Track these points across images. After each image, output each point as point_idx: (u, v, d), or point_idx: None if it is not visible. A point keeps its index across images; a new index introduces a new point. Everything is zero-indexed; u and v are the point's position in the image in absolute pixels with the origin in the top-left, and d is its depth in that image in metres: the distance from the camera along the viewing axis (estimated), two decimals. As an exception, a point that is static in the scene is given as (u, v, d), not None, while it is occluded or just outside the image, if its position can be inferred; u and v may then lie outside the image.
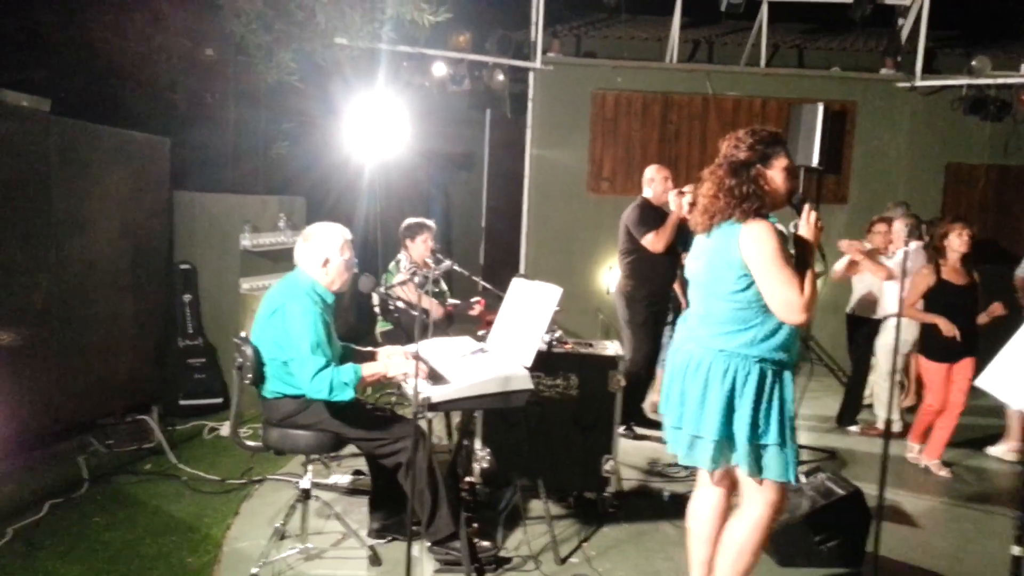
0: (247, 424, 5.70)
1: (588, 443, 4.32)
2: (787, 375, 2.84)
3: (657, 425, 5.94)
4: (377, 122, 6.30)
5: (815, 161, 7.40)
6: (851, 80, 8.02)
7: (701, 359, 2.85)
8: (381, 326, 5.70)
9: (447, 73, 7.46)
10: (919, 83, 7.85)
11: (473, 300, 5.80)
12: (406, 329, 5.40)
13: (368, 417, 3.57)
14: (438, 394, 3.24)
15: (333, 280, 3.66)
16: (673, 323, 6.32)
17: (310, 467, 3.65)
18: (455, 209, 10.28)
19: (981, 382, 3.00)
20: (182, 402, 5.77)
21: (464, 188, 9.89)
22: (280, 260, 6.35)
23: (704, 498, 3.10)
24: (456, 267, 4.87)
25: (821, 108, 7.35)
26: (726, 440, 2.80)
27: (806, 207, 2.94)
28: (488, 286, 5.58)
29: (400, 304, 4.27)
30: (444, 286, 5.91)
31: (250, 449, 3.68)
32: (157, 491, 4.52)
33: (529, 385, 3.38)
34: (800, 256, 2.83)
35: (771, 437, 2.78)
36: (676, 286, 6.08)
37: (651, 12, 9.00)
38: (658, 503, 4.60)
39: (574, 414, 4.30)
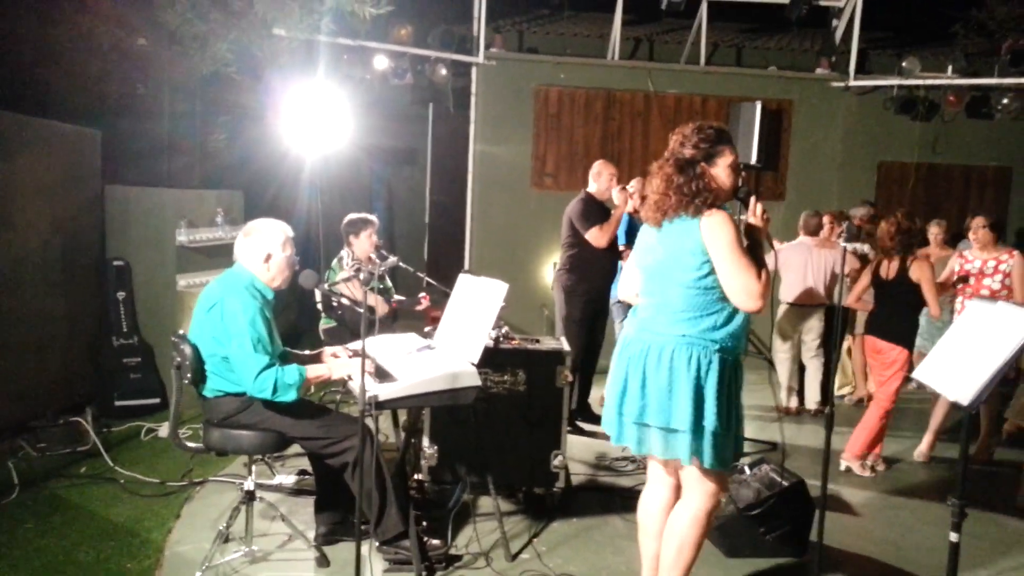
0: (186, 425, 5.51)
1: (536, 439, 4.31)
2: (740, 363, 2.90)
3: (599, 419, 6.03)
4: (317, 115, 6.19)
5: (753, 159, 7.55)
6: (788, 79, 8.20)
7: (662, 348, 2.86)
8: (324, 323, 5.61)
9: (389, 67, 7.36)
10: (852, 83, 8.06)
11: (419, 296, 5.75)
12: (350, 326, 5.33)
13: (313, 416, 3.51)
14: (385, 392, 3.20)
15: (274, 277, 3.58)
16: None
17: (254, 468, 3.57)
18: (398, 205, 10.17)
19: (917, 374, 3.09)
20: (117, 403, 5.59)
21: (406, 183, 9.79)
22: (217, 256, 6.20)
23: (655, 493, 3.13)
24: (401, 264, 4.82)
25: (759, 106, 7.49)
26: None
27: (752, 199, 3.01)
28: (432, 282, 5.54)
29: (344, 301, 4.20)
30: (389, 282, 5.85)
31: (191, 450, 3.58)
32: (93, 495, 4.37)
33: (477, 382, 3.36)
34: (752, 246, 2.90)
35: (725, 426, 2.82)
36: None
37: (593, 9, 9.04)
38: (607, 497, 4.62)
39: (522, 410, 4.29)
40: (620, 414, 2.97)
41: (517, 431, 4.28)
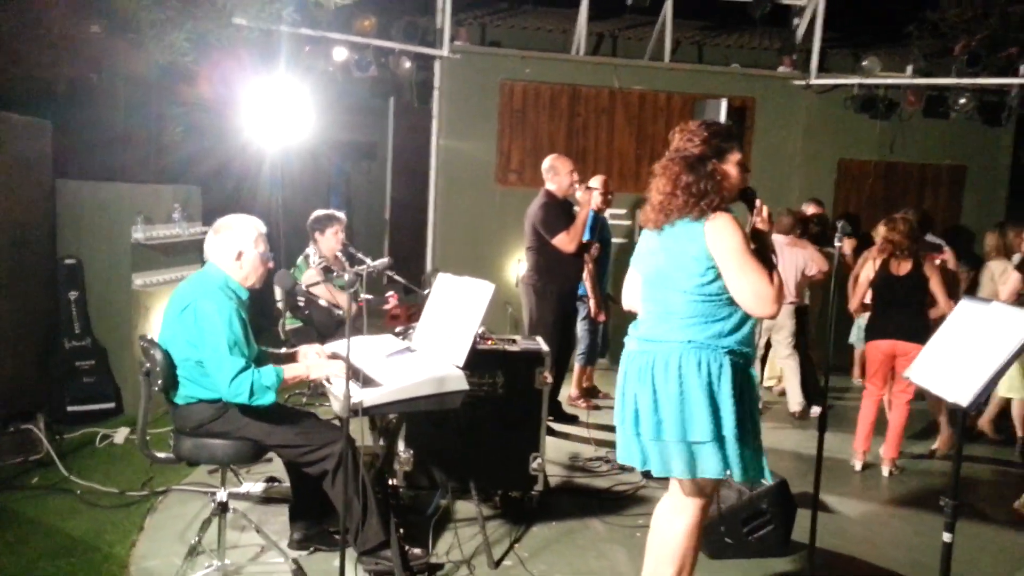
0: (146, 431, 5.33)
1: (515, 441, 4.23)
2: (753, 370, 2.83)
3: (573, 419, 5.97)
4: (277, 108, 6.01)
5: (719, 155, 7.53)
6: (750, 77, 8.22)
7: (668, 357, 2.74)
8: (290, 323, 5.45)
9: (351, 58, 7.18)
10: (814, 81, 8.12)
11: (386, 295, 5.61)
12: (318, 327, 5.18)
13: (291, 422, 3.36)
14: (370, 397, 3.07)
15: (248, 275, 3.43)
16: (587, 317, 6.32)
17: (225, 477, 3.41)
18: (358, 200, 9.98)
19: (911, 375, 3.08)
20: (70, 408, 5.33)
21: (366, 178, 9.61)
22: (175, 254, 5.97)
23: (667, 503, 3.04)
24: (391, 273, 4.66)
25: (725, 104, 7.47)
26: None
27: (757, 200, 2.93)
28: (400, 279, 5.40)
29: (321, 302, 4.06)
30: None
31: (160, 461, 3.40)
32: (48, 507, 4.14)
33: (464, 386, 3.26)
34: (759, 249, 2.80)
35: (742, 434, 2.73)
36: (587, 277, 6.04)
37: (556, 4, 8.97)
38: (584, 499, 4.56)
39: (500, 412, 4.20)
40: (638, 435, 2.84)
41: (495, 433, 4.19)
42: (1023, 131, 8.55)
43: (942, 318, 5.28)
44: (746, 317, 2.79)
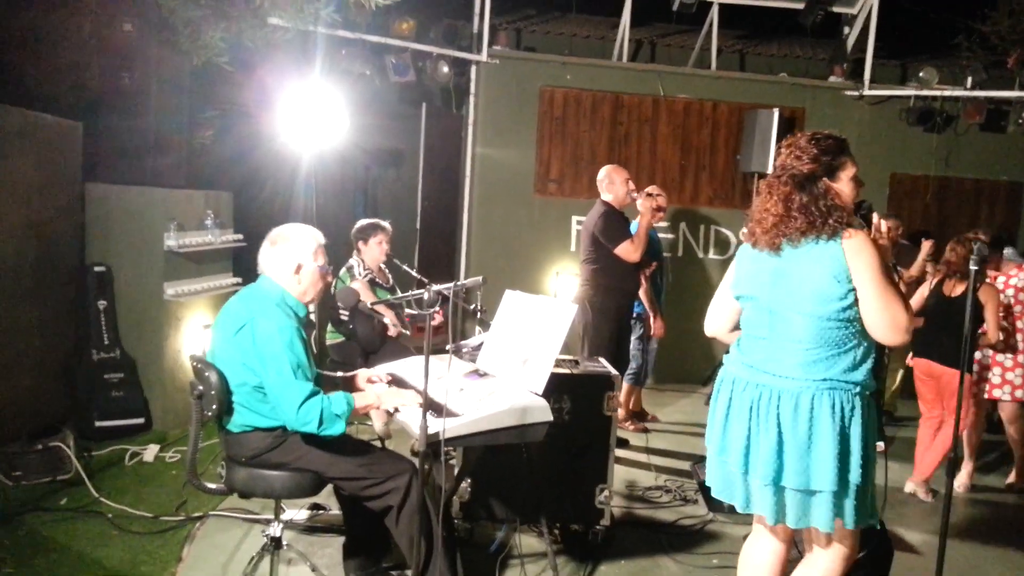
0: (172, 448, 5.06)
1: (581, 471, 3.93)
2: (872, 403, 2.55)
3: (624, 443, 5.67)
4: (312, 112, 5.75)
5: (770, 167, 7.25)
6: (800, 87, 7.94)
7: (798, 395, 2.47)
8: (331, 337, 5.16)
9: (390, 62, 6.91)
10: (867, 92, 7.83)
11: (432, 310, 5.31)
12: (362, 341, 4.88)
13: (354, 453, 3.07)
14: (450, 429, 2.77)
15: (306, 290, 3.15)
16: (640, 336, 6.04)
17: (282, 510, 3.12)
18: (386, 208, 9.70)
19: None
20: (98, 423, 5.03)
21: (395, 186, 9.31)
22: (205, 262, 5.70)
23: (764, 546, 2.75)
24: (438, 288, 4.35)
25: (777, 114, 7.22)
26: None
27: (875, 216, 2.66)
28: (446, 293, 5.11)
29: (386, 321, 3.79)
30: (399, 293, 5.41)
31: (212, 492, 3.10)
32: (79, 532, 3.86)
33: (548, 417, 2.97)
34: (886, 271, 2.53)
35: (866, 477, 2.47)
36: (643, 294, 5.77)
37: (595, 10, 8.71)
38: (650, 534, 4.24)
39: (566, 440, 3.89)
40: (746, 473, 2.57)
41: (559, 462, 3.89)
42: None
43: (990, 346, 5.01)
44: (870, 346, 2.53)
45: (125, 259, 5.29)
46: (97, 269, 5.23)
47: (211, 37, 5.71)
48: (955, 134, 7.87)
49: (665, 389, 7.18)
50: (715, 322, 2.89)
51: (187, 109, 6.05)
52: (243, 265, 6.11)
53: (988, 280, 4.84)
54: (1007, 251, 5.41)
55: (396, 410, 3.04)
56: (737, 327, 2.81)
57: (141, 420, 5.21)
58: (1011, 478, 5.40)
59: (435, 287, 2.73)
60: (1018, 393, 5.11)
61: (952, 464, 3.23)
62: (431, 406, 2.86)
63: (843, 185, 2.60)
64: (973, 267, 3.11)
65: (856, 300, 2.46)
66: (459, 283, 2.94)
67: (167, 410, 5.31)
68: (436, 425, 2.76)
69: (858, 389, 2.48)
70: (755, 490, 2.59)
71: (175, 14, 5.45)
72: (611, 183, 5.42)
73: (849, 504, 2.48)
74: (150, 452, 4.90)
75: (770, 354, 2.57)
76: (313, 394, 2.84)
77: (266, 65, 6.21)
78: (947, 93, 7.64)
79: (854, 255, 2.44)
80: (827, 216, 2.48)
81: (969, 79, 7.63)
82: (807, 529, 2.62)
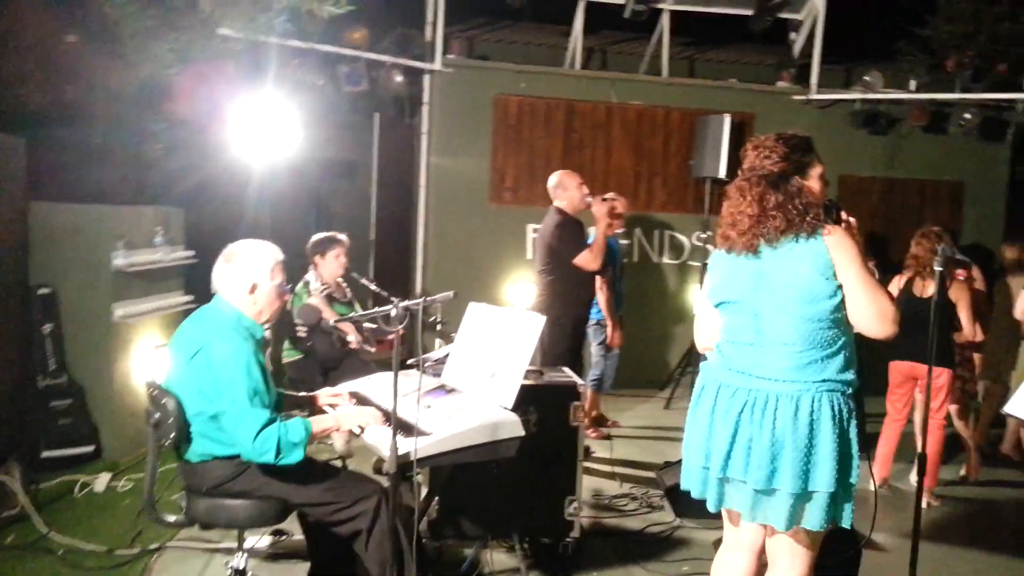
0: (124, 476, 4.87)
1: (549, 484, 3.89)
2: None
3: (587, 451, 5.64)
4: (264, 124, 5.64)
5: (722, 172, 7.32)
6: (750, 92, 8.04)
7: (798, 399, 2.45)
8: (288, 355, 5.04)
9: (343, 72, 6.81)
10: (814, 96, 7.97)
11: (400, 326, 5.23)
12: (322, 359, 4.78)
13: (319, 477, 2.98)
14: (419, 449, 2.71)
15: (262, 310, 3.06)
16: (603, 343, 6.04)
17: (245, 540, 3.02)
18: (339, 220, 9.57)
19: (1011, 410, 2.84)
20: (45, 453, 4.83)
21: (348, 197, 9.20)
22: (156, 281, 5.53)
23: (737, 561, 2.73)
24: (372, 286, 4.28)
25: (728, 119, 7.29)
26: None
27: (843, 213, 2.66)
28: (412, 305, 5.03)
29: (350, 338, 3.71)
30: (359, 309, 5.32)
31: (172, 525, 2.99)
32: (27, 570, 3.69)
33: (519, 432, 2.93)
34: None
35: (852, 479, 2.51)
36: (602, 302, 5.77)
37: (548, 19, 8.72)
38: (619, 543, 4.22)
39: (533, 452, 3.83)
40: (724, 475, 2.55)
41: (527, 476, 3.82)
42: (1020, 146, 8.50)
43: (968, 343, 5.11)
44: (854, 345, 2.55)
45: (71, 280, 5.10)
46: (42, 291, 5.02)
47: (159, 48, 5.55)
48: (899, 136, 8.06)
49: (623, 394, 7.18)
50: (704, 336, 2.85)
51: (135, 122, 5.86)
52: (195, 283, 5.95)
53: (957, 278, 4.88)
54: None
55: (361, 429, 2.96)
56: None
57: (91, 448, 5.01)
58: (963, 470, 5.52)
59: (403, 303, 2.65)
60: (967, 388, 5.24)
61: (920, 462, 3.26)
62: (400, 425, 2.80)
63: (813, 183, 2.59)
64: (938, 267, 3.15)
65: (843, 297, 2.47)
66: (429, 298, 2.87)
67: (118, 437, 5.13)
68: (406, 445, 2.70)
69: (851, 390, 2.50)
70: (733, 492, 2.58)
71: (121, 25, 5.29)
72: (564, 189, 5.34)
73: (844, 502, 2.50)
74: (101, 481, 4.72)
75: (759, 358, 2.54)
76: (270, 422, 2.74)
77: (217, 76, 6.06)
78: (891, 96, 7.81)
79: (837, 250, 2.45)
80: (804, 214, 2.47)
81: (912, 83, 7.80)
82: (775, 543, 2.61)
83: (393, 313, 2.59)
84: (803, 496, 2.46)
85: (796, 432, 2.44)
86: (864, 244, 4.36)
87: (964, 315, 4.83)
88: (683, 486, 2.75)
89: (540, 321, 3.13)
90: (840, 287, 2.46)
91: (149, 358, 5.26)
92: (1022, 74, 8.00)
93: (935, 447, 4.96)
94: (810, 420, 2.44)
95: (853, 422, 2.48)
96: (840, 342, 2.50)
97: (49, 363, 5.00)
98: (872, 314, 2.46)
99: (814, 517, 2.48)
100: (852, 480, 2.48)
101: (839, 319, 2.49)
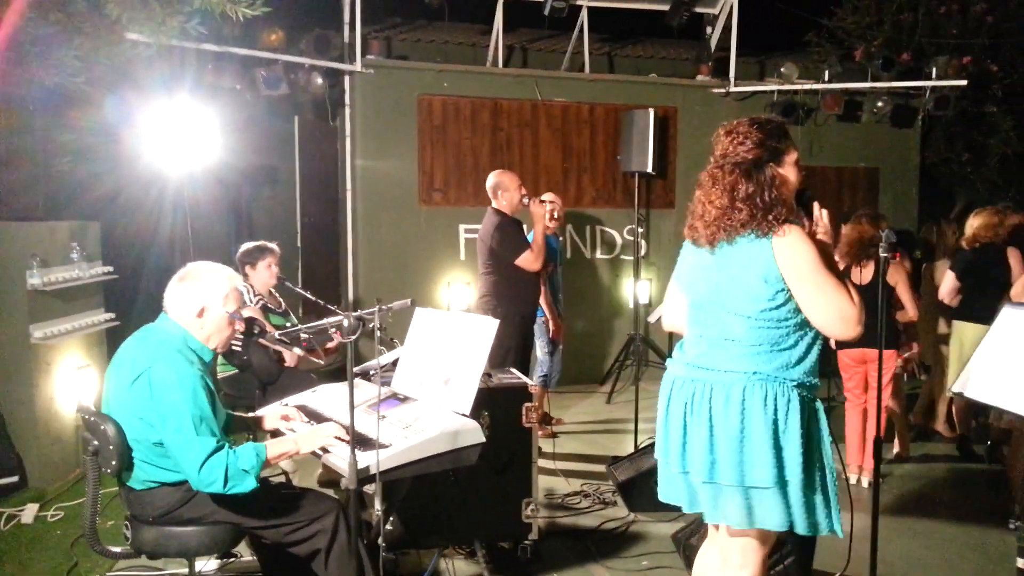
0: (54, 505, 4.61)
1: (505, 487, 3.84)
2: (820, 405, 2.53)
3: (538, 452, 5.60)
4: (180, 132, 5.42)
5: (649, 166, 7.41)
6: (671, 86, 8.16)
7: (730, 387, 2.41)
8: (223, 370, 4.83)
9: (260, 75, 6.61)
10: (733, 89, 8.14)
11: (331, 331, 5.08)
12: (259, 373, 4.60)
13: (271, 497, 2.85)
14: (381, 462, 2.62)
15: (210, 336, 2.90)
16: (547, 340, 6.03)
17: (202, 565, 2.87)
18: (263, 228, 9.29)
19: (968, 392, 2.88)
20: (-36, 487, 4.54)
21: (271, 204, 8.94)
22: (75, 299, 5.25)
23: (714, 555, 2.72)
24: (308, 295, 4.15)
25: (652, 114, 7.37)
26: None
27: (816, 205, 2.61)
28: (340, 312, 4.90)
29: (297, 350, 3.58)
30: (294, 318, 5.16)
31: (117, 556, 2.82)
32: (-47, 619, 3.44)
33: (480, 439, 2.87)
34: (828, 263, 2.47)
35: (810, 480, 2.43)
36: (543, 302, 5.75)
37: (464, 17, 8.66)
38: (576, 543, 4.20)
39: (488, 456, 3.77)
40: (685, 472, 2.51)
41: (483, 480, 3.77)
42: (929, 132, 8.89)
43: (910, 322, 5.28)
44: (812, 345, 2.50)
45: (-18, 302, 4.80)
46: (-50, 316, 4.71)
47: (63, 55, 5.26)
48: (815, 125, 8.30)
49: (564, 391, 7.18)
50: (670, 315, 2.83)
51: (40, 134, 5.55)
52: (115, 300, 5.68)
53: (893, 260, 5.01)
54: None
55: (325, 450, 2.84)
56: None
57: (15, 479, 4.72)
58: (896, 448, 5.70)
59: (355, 313, 2.55)
60: (897, 369, 5.41)
61: (877, 445, 3.33)
62: (357, 439, 2.70)
63: (788, 170, 2.53)
64: (884, 254, 3.21)
65: (787, 299, 2.42)
66: (385, 307, 2.77)
67: (43, 464, 4.84)
68: (366, 459, 2.60)
69: (794, 384, 2.42)
70: (696, 489, 2.56)
71: (20, 31, 4.98)
72: (504, 190, 5.31)
73: (796, 506, 2.42)
74: (29, 512, 4.45)
75: (705, 351, 2.52)
76: (217, 449, 2.60)
77: (128, 83, 5.79)
78: (807, 87, 8.04)
79: (784, 253, 2.38)
80: (768, 211, 2.40)
81: (826, 72, 8.05)
82: (727, 539, 2.60)
83: (346, 324, 2.48)
84: (748, 492, 2.42)
85: (727, 421, 2.40)
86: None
87: (905, 296, 4.96)
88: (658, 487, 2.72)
89: (494, 325, 3.08)
90: (784, 291, 2.40)
91: (73, 380, 5.00)
92: (925, 62, 8.37)
93: (884, 427, 5.10)
94: (741, 409, 2.39)
95: (795, 416, 2.39)
96: (789, 342, 2.44)
97: (-38, 392, 4.69)
98: (831, 318, 2.39)
99: (770, 517, 2.43)
100: (790, 477, 2.38)
101: (785, 320, 2.43)
